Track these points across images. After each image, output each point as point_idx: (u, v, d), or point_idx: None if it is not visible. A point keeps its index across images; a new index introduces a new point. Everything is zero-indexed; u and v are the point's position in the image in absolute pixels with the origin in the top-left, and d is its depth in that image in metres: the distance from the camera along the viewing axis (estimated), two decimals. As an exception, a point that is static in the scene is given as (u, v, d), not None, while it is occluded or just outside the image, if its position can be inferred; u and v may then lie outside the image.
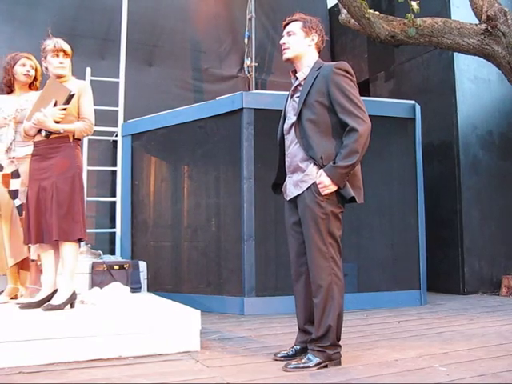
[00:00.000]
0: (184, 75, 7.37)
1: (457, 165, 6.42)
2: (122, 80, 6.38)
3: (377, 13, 4.96)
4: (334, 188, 2.84)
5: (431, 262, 5.72)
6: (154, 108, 6.62)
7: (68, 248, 3.52)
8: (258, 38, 7.75)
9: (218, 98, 5.70)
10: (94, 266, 4.64)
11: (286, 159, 3.07)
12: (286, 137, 3.09)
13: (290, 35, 3.08)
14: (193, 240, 5.54)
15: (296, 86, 3.09)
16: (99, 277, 4.60)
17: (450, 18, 6.39)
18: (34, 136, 3.60)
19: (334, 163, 2.82)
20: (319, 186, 2.85)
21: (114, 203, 6.32)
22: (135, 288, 4.66)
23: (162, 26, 7.24)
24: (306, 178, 2.93)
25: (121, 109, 6.32)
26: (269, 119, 4.95)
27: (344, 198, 2.90)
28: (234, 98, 5.20)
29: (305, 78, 3.03)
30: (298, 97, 3.03)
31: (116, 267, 4.70)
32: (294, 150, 3.01)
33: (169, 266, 5.66)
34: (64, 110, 3.50)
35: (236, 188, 5.15)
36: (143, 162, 6.02)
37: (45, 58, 3.69)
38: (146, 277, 4.88)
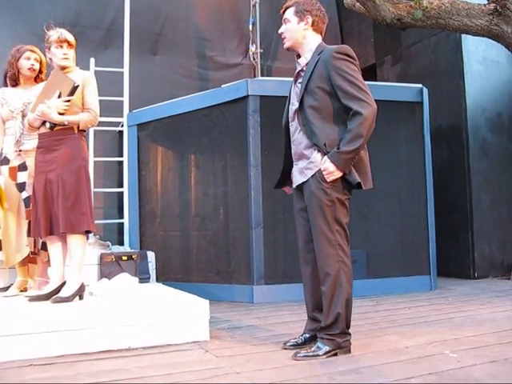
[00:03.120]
0: (189, 63, 7.32)
1: (466, 148, 6.35)
2: (126, 70, 6.34)
3: (382, -5, 4.89)
4: (339, 174, 2.80)
5: (441, 247, 5.68)
6: (159, 97, 6.58)
7: (75, 240, 3.51)
8: (263, 25, 7.67)
9: (223, 86, 5.67)
10: (102, 257, 4.64)
11: (292, 146, 3.04)
12: (290, 123, 3.05)
13: (285, 23, 3.04)
14: (201, 229, 5.53)
15: (298, 72, 3.04)
16: (108, 268, 4.60)
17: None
18: (39, 128, 3.59)
19: (338, 149, 2.77)
20: (324, 173, 2.81)
21: (121, 194, 6.31)
22: (144, 278, 4.65)
23: (166, 15, 7.19)
24: (310, 165, 2.90)
25: (126, 99, 6.29)
26: (275, 106, 4.89)
27: (350, 184, 2.86)
28: (239, 86, 5.16)
29: (307, 64, 2.98)
30: (300, 83, 2.99)
31: (124, 258, 4.69)
32: (298, 137, 2.97)
33: (177, 255, 5.65)
34: (68, 101, 3.47)
35: (243, 176, 5.12)
36: (150, 152, 5.99)
37: (48, 48, 3.66)
38: (154, 267, 4.88)
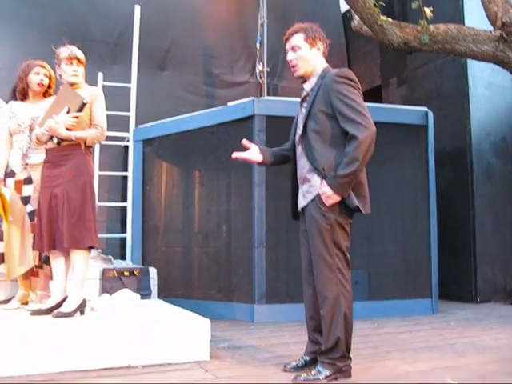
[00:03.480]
0: (196, 80, 7.36)
1: (470, 172, 6.36)
2: (133, 85, 6.38)
3: (389, 19, 4.92)
4: (337, 198, 2.81)
5: (443, 270, 5.67)
6: (166, 113, 6.62)
7: (79, 255, 3.53)
8: (270, 43, 7.71)
9: (229, 104, 5.70)
10: (104, 272, 4.63)
11: (297, 170, 3.06)
12: (296, 148, 3.07)
13: (295, 50, 3.02)
14: (203, 246, 5.53)
15: (304, 97, 3.07)
16: (109, 283, 4.60)
17: (463, 21, 6.39)
18: (46, 142, 3.61)
19: (336, 172, 2.79)
20: (322, 197, 2.82)
21: (124, 208, 6.32)
22: (145, 294, 4.65)
23: (174, 31, 7.23)
24: (310, 189, 2.92)
25: (132, 114, 6.31)
26: (280, 126, 4.92)
27: (350, 208, 2.87)
28: (246, 105, 5.19)
29: (312, 89, 3.00)
30: (305, 107, 3.01)
31: (126, 273, 4.69)
32: (302, 161, 3.00)
33: (179, 271, 5.65)
34: (76, 117, 3.50)
35: (247, 194, 5.13)
36: (154, 168, 6.02)
37: (59, 65, 3.70)
38: (156, 283, 4.87)
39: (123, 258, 6.18)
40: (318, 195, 2.85)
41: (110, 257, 5.84)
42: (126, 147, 6.38)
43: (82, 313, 3.56)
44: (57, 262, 3.63)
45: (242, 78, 7.70)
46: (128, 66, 6.49)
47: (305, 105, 3.03)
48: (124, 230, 6.33)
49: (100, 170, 6.25)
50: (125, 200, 6.37)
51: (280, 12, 7.86)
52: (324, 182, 2.82)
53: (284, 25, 7.81)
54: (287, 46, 3.08)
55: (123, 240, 6.32)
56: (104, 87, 6.28)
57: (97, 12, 6.77)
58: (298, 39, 3.04)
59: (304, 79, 3.09)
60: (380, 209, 5.22)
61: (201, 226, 5.59)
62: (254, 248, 4.96)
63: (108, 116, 5.76)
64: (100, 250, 5.79)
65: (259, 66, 7.60)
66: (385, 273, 5.43)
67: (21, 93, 4.09)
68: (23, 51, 6.31)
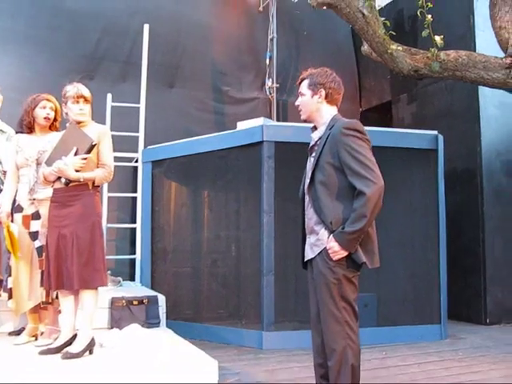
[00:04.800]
0: (204, 97, 7.35)
1: (480, 192, 6.33)
2: (142, 105, 6.39)
3: (400, 48, 4.88)
4: (344, 253, 2.79)
5: (453, 291, 5.65)
6: (174, 130, 6.66)
7: (88, 295, 3.55)
8: (280, 59, 7.70)
9: (238, 123, 5.69)
10: (113, 301, 4.65)
11: (305, 219, 3.05)
12: (305, 197, 3.06)
13: (301, 96, 3.07)
14: (212, 271, 5.55)
15: (313, 146, 3.05)
16: (118, 312, 4.61)
17: (474, 41, 6.34)
18: (54, 182, 3.63)
19: (343, 228, 2.78)
20: (329, 252, 2.81)
21: (134, 228, 6.34)
22: (153, 323, 4.66)
23: (184, 48, 7.22)
24: (318, 242, 2.91)
25: (141, 134, 6.33)
26: (290, 152, 4.95)
27: (357, 262, 2.86)
28: (255, 130, 5.17)
29: (320, 137, 2.99)
30: (313, 157, 3.00)
31: (135, 303, 4.70)
32: (310, 212, 2.99)
33: (188, 295, 5.67)
34: (85, 159, 3.51)
35: (256, 221, 5.12)
36: (163, 189, 6.03)
37: (65, 103, 3.71)
38: (164, 311, 4.87)
39: (132, 277, 6.21)
40: (325, 249, 2.84)
41: (119, 278, 5.88)
42: (136, 167, 6.39)
43: (90, 352, 3.58)
44: (66, 300, 3.64)
45: (251, 94, 7.68)
46: (137, 83, 6.50)
47: (313, 154, 3.01)
48: (133, 249, 6.36)
49: (109, 190, 6.26)
50: (134, 219, 6.39)
51: (290, 27, 7.84)
52: (331, 237, 2.81)
53: (294, 40, 7.94)
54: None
55: (132, 259, 6.35)
56: (113, 108, 6.31)
57: (106, 30, 6.77)
58: (303, 85, 3.07)
59: (314, 127, 3.08)
60: (390, 233, 5.21)
61: (210, 250, 5.61)
62: (263, 276, 4.96)
63: (117, 137, 5.81)
64: (109, 272, 5.82)
65: (268, 82, 7.58)
66: (394, 297, 5.43)
67: (27, 126, 4.08)
68: (32, 71, 6.36)
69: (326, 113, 3.03)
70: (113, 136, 5.87)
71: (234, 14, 7.65)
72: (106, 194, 6.13)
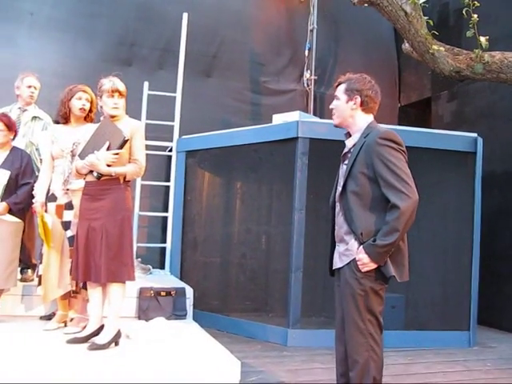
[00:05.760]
0: (242, 87, 7.32)
1: (519, 196, 6.16)
2: (178, 94, 6.39)
3: (442, 48, 4.74)
4: (373, 266, 2.75)
5: (485, 297, 5.52)
6: (210, 120, 6.66)
7: (115, 288, 3.60)
8: (319, 50, 7.59)
9: (274, 116, 5.65)
10: (141, 291, 4.71)
11: (335, 227, 3.01)
12: (336, 204, 3.01)
13: (336, 99, 3.00)
14: (241, 264, 5.56)
15: (346, 153, 3.00)
16: (146, 302, 4.67)
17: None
18: (86, 175, 3.67)
19: (374, 241, 2.73)
20: (358, 263, 2.77)
21: (166, 216, 6.39)
22: (180, 315, 4.71)
23: (223, 37, 7.19)
24: (347, 252, 2.87)
25: (176, 124, 6.34)
26: (324, 149, 4.88)
27: (385, 275, 2.81)
28: (290, 126, 5.12)
29: (354, 145, 2.93)
30: (346, 164, 2.94)
31: (163, 294, 4.75)
32: (340, 220, 2.94)
33: (216, 286, 5.69)
34: (117, 154, 3.53)
35: (287, 217, 5.09)
36: (196, 180, 6.05)
37: (100, 97, 3.74)
38: (191, 303, 4.91)
39: (162, 265, 6.27)
40: (354, 260, 2.80)
41: (149, 266, 5.95)
42: (170, 156, 6.43)
43: (116, 344, 3.64)
44: (94, 291, 3.70)
45: (289, 85, 7.60)
46: (174, 72, 6.50)
47: (346, 162, 2.96)
48: (164, 237, 6.40)
49: (142, 178, 6.28)
50: (166, 206, 6.43)
51: (331, 18, 7.73)
52: (361, 248, 2.77)
53: (334, 31, 7.82)
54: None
55: (163, 247, 6.41)
56: (149, 96, 6.34)
57: (145, 18, 6.79)
58: (339, 89, 3.01)
59: (349, 134, 3.02)
60: (422, 235, 5.13)
61: (239, 243, 5.62)
62: (292, 273, 4.93)
63: (153, 125, 5.82)
64: (139, 259, 5.90)
65: (307, 74, 7.49)
66: (422, 300, 5.35)
67: (63, 117, 4.14)
68: (72, 57, 6.44)
69: (361, 120, 2.97)
70: (148, 124, 6.04)
71: (274, 4, 7.57)
72: (139, 182, 6.18)
